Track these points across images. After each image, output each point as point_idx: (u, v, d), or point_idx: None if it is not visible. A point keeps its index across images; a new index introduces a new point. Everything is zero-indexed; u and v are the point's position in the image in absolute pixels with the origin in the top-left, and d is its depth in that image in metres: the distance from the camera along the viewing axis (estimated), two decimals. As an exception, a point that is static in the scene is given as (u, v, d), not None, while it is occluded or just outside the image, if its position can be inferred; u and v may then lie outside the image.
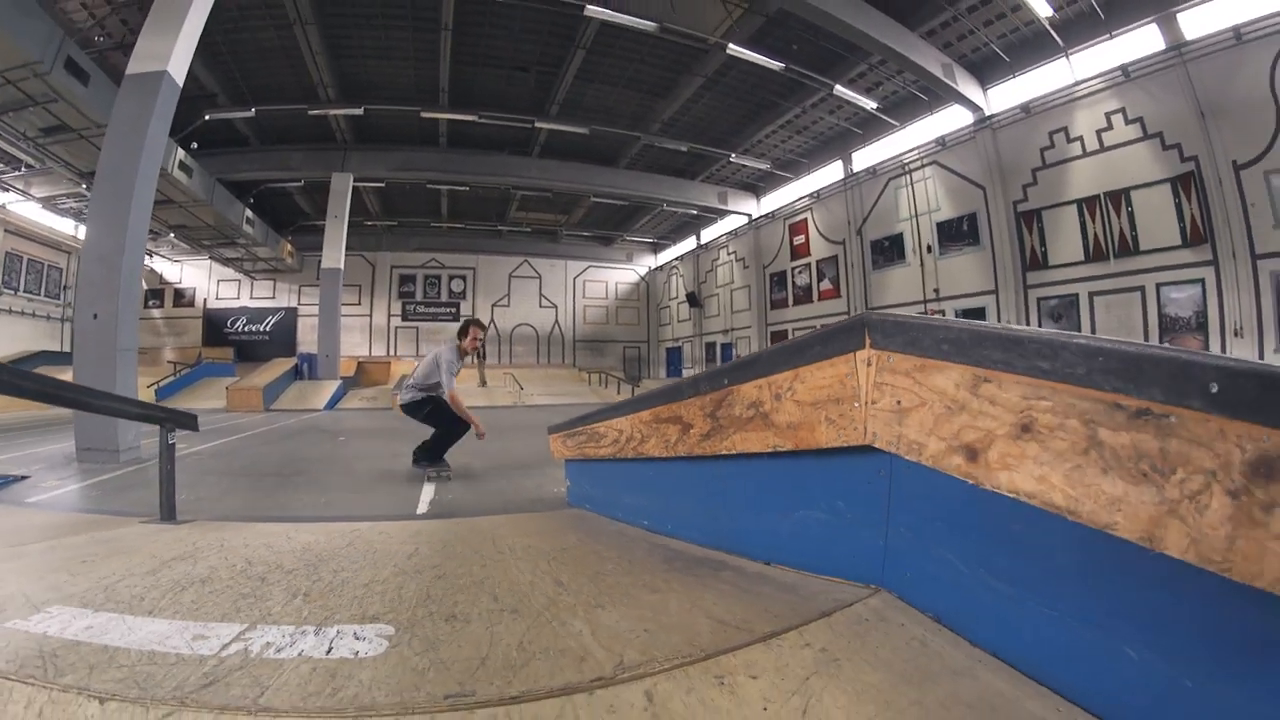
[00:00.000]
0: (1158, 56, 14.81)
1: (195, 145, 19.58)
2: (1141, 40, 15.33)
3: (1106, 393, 1.24)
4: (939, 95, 18.21)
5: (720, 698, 1.33)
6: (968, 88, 17.84)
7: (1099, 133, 16.02)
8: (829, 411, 1.98)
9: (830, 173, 23.24)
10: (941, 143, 19.31)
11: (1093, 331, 15.36)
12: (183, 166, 18.85)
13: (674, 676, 1.41)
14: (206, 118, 18.50)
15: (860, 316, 1.89)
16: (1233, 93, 13.89)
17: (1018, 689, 1.38)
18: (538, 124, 20.16)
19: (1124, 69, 15.43)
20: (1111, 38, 15.76)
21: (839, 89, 18.20)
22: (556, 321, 36.35)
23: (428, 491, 6.21)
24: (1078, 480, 1.30)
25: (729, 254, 29.04)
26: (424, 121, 20.37)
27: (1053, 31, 16.12)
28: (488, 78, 18.57)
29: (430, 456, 6.95)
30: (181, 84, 10.27)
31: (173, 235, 24.74)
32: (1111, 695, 1.29)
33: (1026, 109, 17.34)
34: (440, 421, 6.95)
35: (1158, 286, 14.81)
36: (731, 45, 16.18)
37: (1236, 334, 13.61)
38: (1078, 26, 16.15)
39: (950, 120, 19.18)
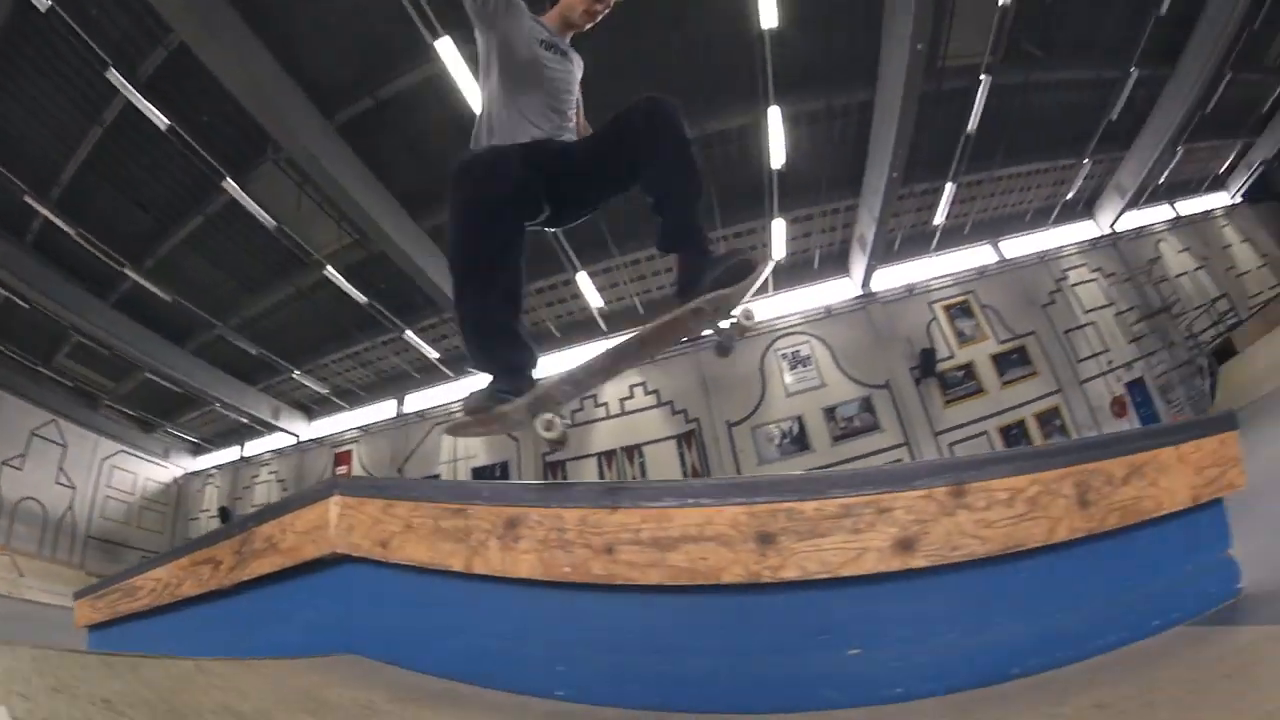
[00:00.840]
0: (681, 345, 18.16)
1: None
2: None
3: (444, 504, 2.42)
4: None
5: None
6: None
7: (622, 400, 19.41)
8: (313, 536, 2.78)
9: (383, 410, 23.59)
10: None
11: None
12: None
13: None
14: None
15: (333, 480, 2.97)
16: (731, 372, 18.39)
17: (456, 686, 2.15)
18: (129, 271, 17.96)
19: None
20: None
21: (410, 334, 19.56)
22: (71, 506, 27.51)
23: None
24: (433, 548, 2.38)
25: (270, 473, 26.25)
26: (23, 206, 17.08)
27: (600, 319, 19.71)
28: (109, 198, 16.81)
29: None
30: None
31: None
32: (511, 675, 2.19)
33: None
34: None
35: (663, 515, 17.22)
36: (330, 269, 17.19)
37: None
38: (622, 316, 20.01)
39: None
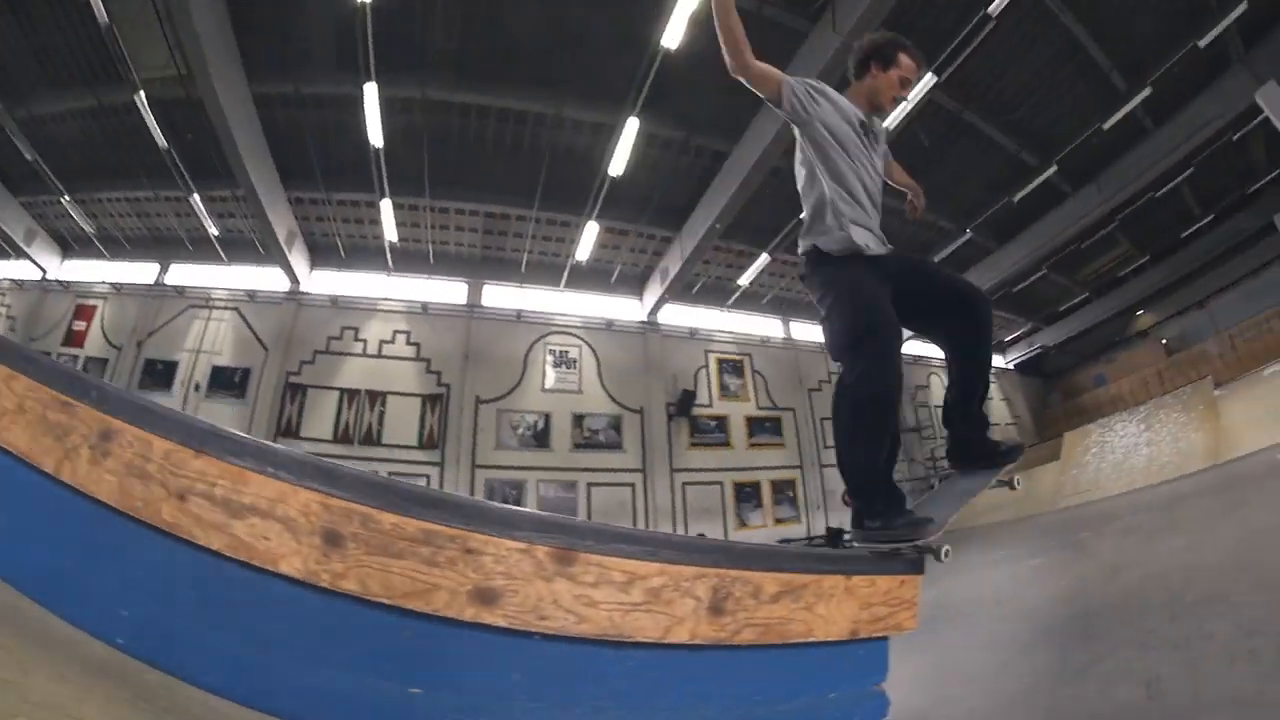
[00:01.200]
0: (457, 307, 19.17)
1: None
2: (450, 289, 19.54)
3: (57, 391, 2.11)
4: (273, 254, 18.91)
5: None
6: (299, 261, 19.44)
7: (382, 342, 19.04)
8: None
9: (143, 272, 20.82)
10: (252, 295, 19.65)
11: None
12: None
13: None
14: None
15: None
16: (495, 350, 18.86)
17: (24, 603, 1.92)
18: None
19: (425, 305, 19.20)
20: (430, 279, 19.77)
21: (197, 198, 17.83)
22: None
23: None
24: (34, 440, 2.09)
25: (3, 305, 21.69)
26: None
27: (389, 253, 19.27)
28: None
29: None
30: None
31: None
32: (79, 606, 1.94)
33: (335, 301, 19.55)
34: None
35: (389, 474, 16.63)
36: (143, 95, 15.25)
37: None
38: (411, 259, 19.83)
39: (270, 278, 19.85)
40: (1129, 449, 17.10)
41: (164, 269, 20.87)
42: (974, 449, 3.25)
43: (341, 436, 17.90)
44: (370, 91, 14.21)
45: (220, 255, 20.13)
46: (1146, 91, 16.16)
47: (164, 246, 20.90)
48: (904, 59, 3.21)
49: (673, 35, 12.51)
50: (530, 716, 1.87)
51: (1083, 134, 17.35)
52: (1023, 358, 33.60)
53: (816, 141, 3.06)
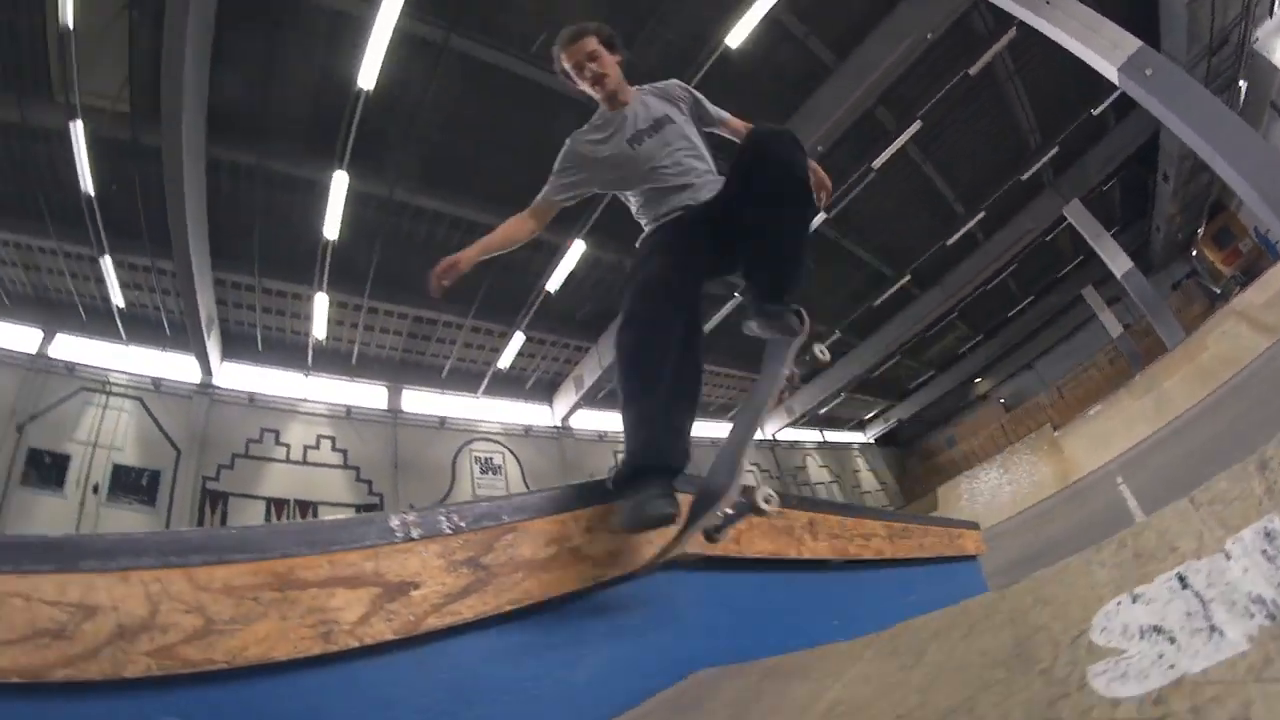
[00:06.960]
0: (380, 412, 19.24)
1: None
2: (371, 393, 19.61)
3: None
4: (187, 338, 16.49)
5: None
6: (214, 348, 17.15)
7: (306, 447, 18.11)
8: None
9: (22, 339, 15.85)
10: (158, 384, 16.85)
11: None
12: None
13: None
14: None
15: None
16: (422, 457, 19.00)
17: None
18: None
19: (349, 409, 18.92)
20: (351, 381, 19.46)
21: (108, 261, 14.72)
22: None
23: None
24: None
25: None
26: None
27: (311, 351, 18.56)
28: None
29: None
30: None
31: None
32: None
33: (252, 398, 17.69)
34: None
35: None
36: (79, 124, 11.81)
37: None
38: (331, 358, 19.31)
39: (176, 365, 17.22)
40: (994, 489, 21.09)
41: (49, 337, 16.42)
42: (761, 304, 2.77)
43: (275, 552, 17.05)
44: (339, 180, 13.62)
45: (119, 332, 16.58)
46: (981, 215, 21.81)
47: (53, 310, 16.68)
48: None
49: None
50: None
51: (930, 248, 22.56)
52: (881, 432, 40.50)
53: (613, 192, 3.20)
